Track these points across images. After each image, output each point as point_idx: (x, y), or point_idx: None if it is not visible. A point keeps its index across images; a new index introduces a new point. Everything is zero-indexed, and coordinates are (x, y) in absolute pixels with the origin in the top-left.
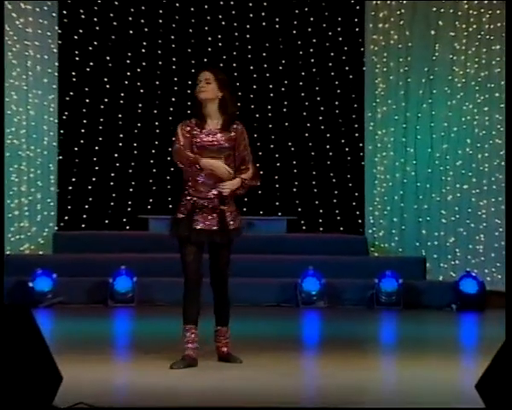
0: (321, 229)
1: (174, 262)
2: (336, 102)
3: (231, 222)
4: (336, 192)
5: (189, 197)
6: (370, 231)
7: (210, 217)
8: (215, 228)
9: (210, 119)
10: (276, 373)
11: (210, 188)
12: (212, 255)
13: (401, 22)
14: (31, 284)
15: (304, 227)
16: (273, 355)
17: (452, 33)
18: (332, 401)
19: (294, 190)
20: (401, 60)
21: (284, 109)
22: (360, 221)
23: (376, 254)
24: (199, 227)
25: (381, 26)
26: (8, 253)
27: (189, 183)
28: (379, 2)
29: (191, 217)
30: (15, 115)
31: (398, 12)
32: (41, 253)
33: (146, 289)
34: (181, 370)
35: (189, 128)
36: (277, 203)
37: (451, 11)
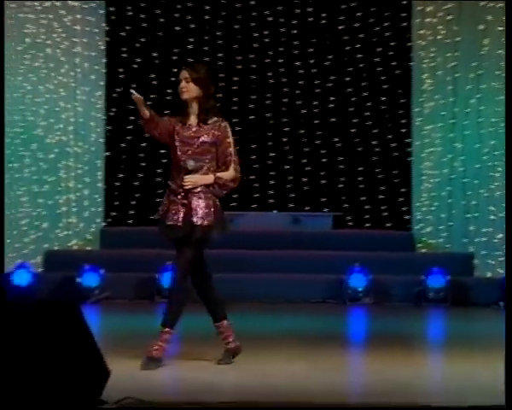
0: (367, 225)
1: (221, 258)
2: (383, 98)
3: (198, 218)
4: (383, 188)
5: (168, 195)
6: (417, 227)
7: (179, 212)
8: (180, 223)
9: (193, 115)
10: (322, 370)
11: (181, 182)
12: (176, 251)
13: (448, 17)
14: (78, 280)
15: (350, 223)
16: (319, 352)
17: (501, 28)
18: (378, 398)
19: (341, 185)
20: (449, 55)
21: (331, 105)
22: (407, 217)
23: (423, 251)
24: (169, 223)
25: (428, 20)
26: (56, 248)
27: (171, 174)
28: None
29: (166, 213)
30: (63, 112)
31: (446, 6)
32: (88, 249)
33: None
34: (223, 365)
35: (172, 121)
36: (323, 199)
37: (499, 6)
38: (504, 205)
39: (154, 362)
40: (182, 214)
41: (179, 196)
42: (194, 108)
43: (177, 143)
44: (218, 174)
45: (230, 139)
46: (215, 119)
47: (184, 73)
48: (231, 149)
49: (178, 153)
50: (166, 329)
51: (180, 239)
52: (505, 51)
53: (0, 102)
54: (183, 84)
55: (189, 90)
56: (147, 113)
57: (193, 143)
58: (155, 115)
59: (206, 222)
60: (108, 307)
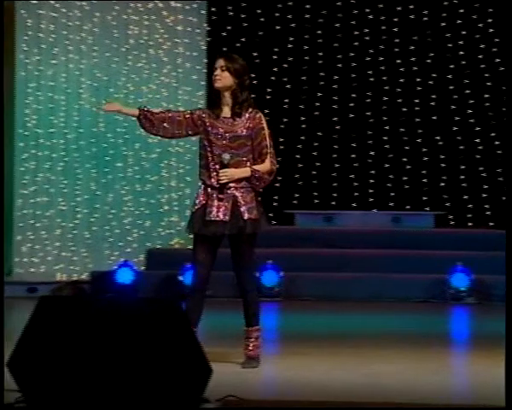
0: (470, 224)
1: (320, 257)
2: (486, 95)
3: (246, 212)
4: (486, 186)
5: (204, 191)
6: None
7: (222, 207)
8: (227, 219)
9: (226, 107)
10: (425, 370)
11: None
12: (233, 250)
13: None
14: (180, 278)
15: (452, 222)
16: (422, 352)
17: None
18: (481, 398)
19: (442, 184)
20: None
21: (432, 103)
22: None
23: None
24: (212, 219)
25: None
26: (158, 247)
27: (202, 170)
28: None
29: (204, 209)
30: None
31: None
32: (190, 247)
33: (293, 283)
34: (327, 364)
35: (204, 114)
36: (425, 198)
37: None
38: (505, 206)
39: (254, 361)
40: (227, 210)
41: (219, 192)
42: (228, 99)
43: (211, 137)
44: (255, 167)
45: (266, 131)
46: (250, 110)
47: (220, 62)
48: (267, 142)
49: (213, 147)
50: (256, 327)
51: (228, 236)
52: (506, 51)
53: (0, 101)
54: (217, 72)
55: (224, 78)
56: (134, 111)
57: (228, 137)
58: (153, 113)
59: (253, 216)
60: (209, 305)
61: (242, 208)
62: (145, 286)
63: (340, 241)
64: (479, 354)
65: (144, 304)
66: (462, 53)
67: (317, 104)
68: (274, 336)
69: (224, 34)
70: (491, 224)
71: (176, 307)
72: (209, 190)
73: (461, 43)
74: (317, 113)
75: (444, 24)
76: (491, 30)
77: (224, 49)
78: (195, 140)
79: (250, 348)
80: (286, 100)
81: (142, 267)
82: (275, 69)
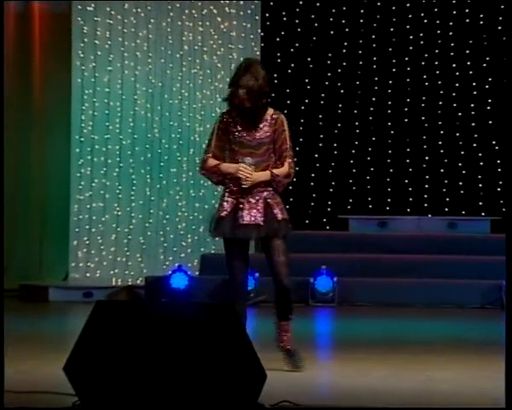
0: None
1: (374, 262)
2: None
3: (279, 213)
4: None
5: (231, 196)
6: None
7: (254, 211)
8: (261, 221)
9: (249, 114)
10: (481, 376)
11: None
12: (267, 251)
13: None
14: None
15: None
16: (478, 358)
17: None
18: None
19: (498, 189)
20: None
21: (488, 107)
22: None
23: None
24: (244, 223)
25: None
26: (212, 252)
27: (228, 176)
28: None
29: (234, 213)
30: None
31: None
32: None
33: (347, 289)
34: (382, 370)
35: (224, 125)
36: (480, 203)
37: None
38: (505, 207)
39: (295, 353)
40: (260, 213)
41: (249, 195)
42: (250, 109)
43: (234, 146)
44: (275, 171)
45: (287, 133)
46: (271, 112)
47: (244, 81)
48: (288, 145)
49: (238, 154)
50: (290, 320)
51: (261, 238)
52: (506, 51)
53: (0, 102)
54: (245, 95)
55: (249, 99)
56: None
57: (254, 145)
58: (221, 162)
59: (286, 216)
60: (263, 310)
61: (275, 210)
62: (199, 291)
63: (395, 246)
64: None
65: (198, 309)
66: None
67: (372, 109)
68: (328, 341)
69: (278, 40)
70: None
71: (230, 312)
72: (238, 195)
73: None
74: (371, 118)
75: (500, 28)
76: None
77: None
78: None
79: (285, 340)
80: (340, 105)
81: (197, 272)
82: (329, 74)
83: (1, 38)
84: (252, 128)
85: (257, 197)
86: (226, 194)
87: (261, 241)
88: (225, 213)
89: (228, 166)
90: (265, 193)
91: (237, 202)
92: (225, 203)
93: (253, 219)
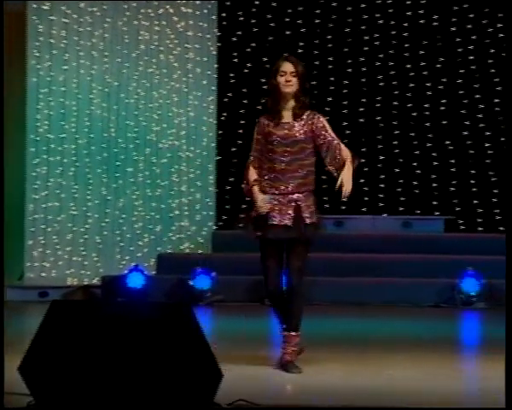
0: (480, 228)
1: (331, 262)
2: (496, 100)
3: (307, 217)
4: (495, 191)
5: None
6: None
7: (284, 212)
8: (289, 223)
9: (286, 111)
10: (435, 374)
11: (285, 182)
12: (288, 252)
13: None
14: (191, 283)
15: (462, 227)
16: (432, 356)
17: None
18: (492, 403)
19: (452, 189)
20: None
21: (442, 108)
22: None
23: None
24: (274, 223)
25: None
26: (169, 251)
27: (263, 177)
28: None
29: (267, 213)
30: (176, 117)
31: None
32: (200, 252)
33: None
34: (342, 369)
35: (263, 127)
36: (435, 202)
37: None
38: (505, 207)
39: (293, 366)
40: (290, 215)
41: (280, 196)
42: (290, 103)
43: (270, 146)
44: (347, 159)
45: (328, 126)
46: (308, 112)
47: (289, 67)
48: (332, 134)
49: (274, 154)
50: (294, 333)
51: (287, 240)
52: (506, 51)
53: (0, 102)
54: (289, 77)
55: (294, 84)
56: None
57: (288, 143)
58: (258, 178)
59: (314, 220)
60: (220, 309)
61: (304, 213)
62: (156, 291)
63: (351, 246)
64: (489, 359)
65: (155, 308)
66: (471, 58)
67: (327, 109)
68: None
69: (235, 39)
70: (501, 228)
71: (186, 312)
72: (271, 196)
73: (470, 48)
74: (327, 118)
75: (454, 29)
76: (501, 35)
77: (287, 53)
78: (205, 145)
79: (288, 352)
80: None
81: (153, 272)
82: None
83: (1, 37)
84: (286, 126)
85: (288, 199)
86: (262, 195)
87: (287, 242)
88: (257, 213)
89: (254, 193)
90: (296, 195)
91: (270, 203)
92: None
93: (282, 221)
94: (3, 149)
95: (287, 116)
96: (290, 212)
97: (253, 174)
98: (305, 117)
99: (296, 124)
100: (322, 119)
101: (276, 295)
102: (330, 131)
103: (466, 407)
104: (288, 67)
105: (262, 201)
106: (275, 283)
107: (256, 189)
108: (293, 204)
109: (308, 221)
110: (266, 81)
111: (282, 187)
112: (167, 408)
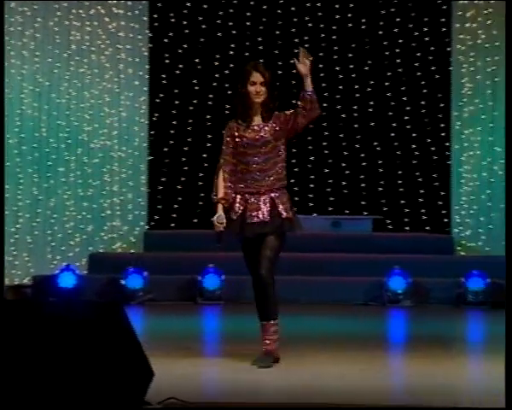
0: (407, 228)
1: None
2: (422, 102)
3: (283, 212)
4: (422, 191)
5: (240, 196)
6: (457, 230)
7: (261, 208)
8: (267, 219)
9: (257, 116)
10: (363, 371)
11: (260, 181)
12: (261, 245)
13: (488, 21)
14: (123, 282)
15: (390, 226)
16: (360, 353)
17: None
18: (419, 399)
19: (380, 189)
20: (488, 59)
21: (370, 109)
22: (446, 220)
23: (463, 254)
24: (252, 221)
25: (468, 25)
26: (100, 251)
27: (237, 179)
28: (466, 1)
29: (244, 213)
30: (108, 117)
31: (486, 11)
32: (132, 251)
33: (234, 287)
34: (268, 366)
35: (232, 131)
36: (363, 203)
37: None
38: (505, 207)
39: (270, 356)
40: (266, 210)
41: (256, 195)
42: (259, 109)
43: (242, 149)
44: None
45: (288, 112)
46: (276, 113)
47: (260, 77)
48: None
49: (247, 156)
50: (273, 321)
51: (264, 234)
52: (505, 51)
53: (0, 102)
54: (259, 88)
55: (264, 93)
56: (224, 203)
57: (259, 145)
58: (227, 187)
59: (290, 215)
60: (152, 308)
61: (280, 207)
62: (87, 290)
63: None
64: (416, 356)
65: (86, 308)
66: (399, 61)
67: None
68: (215, 338)
69: (166, 40)
70: (428, 228)
71: (117, 311)
72: (247, 196)
73: (398, 51)
74: None
75: (381, 32)
76: (427, 38)
77: (261, 60)
78: (137, 145)
79: (267, 342)
80: (227, 106)
81: (85, 271)
82: (216, 75)
83: (1, 37)
84: (257, 129)
85: (264, 197)
86: (237, 198)
87: (263, 237)
88: (235, 216)
89: (217, 210)
90: (272, 194)
91: (246, 203)
92: (235, 206)
93: (261, 216)
94: (3, 148)
95: (256, 120)
96: (266, 207)
97: (221, 188)
98: (272, 118)
99: (265, 126)
100: (281, 113)
101: (264, 289)
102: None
103: (392, 402)
104: (257, 77)
105: (218, 218)
106: (261, 278)
107: (220, 207)
108: (268, 200)
109: (284, 215)
110: (236, 87)
111: (258, 186)
112: (98, 407)
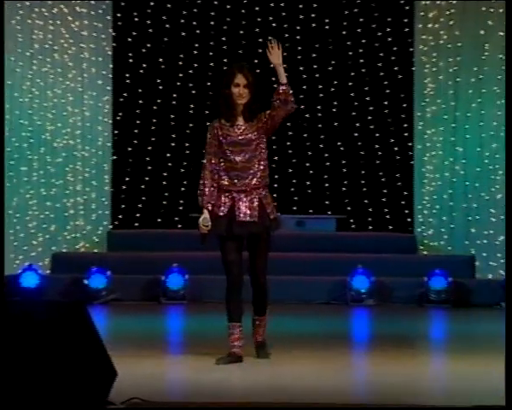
0: (370, 228)
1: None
2: (385, 102)
3: (270, 212)
4: (385, 191)
5: (227, 194)
6: (419, 229)
7: (249, 208)
8: (256, 219)
9: (239, 116)
10: (325, 370)
11: (246, 179)
12: (252, 248)
13: (450, 22)
14: (86, 282)
15: (353, 226)
16: (323, 353)
17: (501, 33)
18: (382, 398)
19: (344, 189)
20: (450, 60)
21: (333, 109)
22: (409, 220)
23: (425, 253)
24: (242, 220)
25: (430, 26)
26: (64, 251)
27: (224, 177)
28: (428, 2)
29: (231, 212)
30: (71, 116)
31: (448, 12)
32: (96, 251)
33: (197, 286)
34: (230, 366)
35: (216, 131)
36: (327, 202)
37: (501, 10)
38: (505, 207)
39: (266, 346)
40: (255, 211)
41: (243, 193)
42: (241, 110)
43: (226, 148)
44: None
45: (267, 111)
46: (258, 115)
47: (243, 79)
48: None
49: (232, 154)
50: (266, 316)
51: (254, 235)
52: (505, 53)
53: (0, 102)
54: (242, 90)
55: (247, 95)
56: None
57: (242, 144)
58: (212, 189)
59: (276, 216)
60: (115, 308)
61: (268, 209)
62: (50, 290)
63: (244, 244)
64: (378, 355)
65: (49, 308)
66: (362, 61)
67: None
68: (179, 338)
69: (130, 40)
70: (391, 227)
71: (80, 311)
72: (234, 194)
73: (361, 51)
74: None
75: (344, 32)
76: (390, 39)
77: (243, 63)
78: (100, 144)
79: (261, 334)
80: (191, 105)
81: (48, 271)
82: (180, 75)
83: (1, 37)
84: (241, 128)
85: (252, 196)
86: (222, 195)
87: (248, 238)
88: (222, 213)
89: (203, 213)
90: (260, 194)
91: (234, 201)
92: (220, 204)
93: (248, 217)
94: (3, 148)
95: (240, 119)
96: (255, 207)
97: (207, 190)
98: (255, 118)
99: (248, 125)
100: (263, 112)
101: (239, 287)
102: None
103: (352, 401)
104: (241, 79)
105: (203, 221)
106: (239, 277)
107: (206, 211)
108: (257, 201)
109: (272, 217)
110: (219, 87)
111: (244, 185)
112: (61, 407)
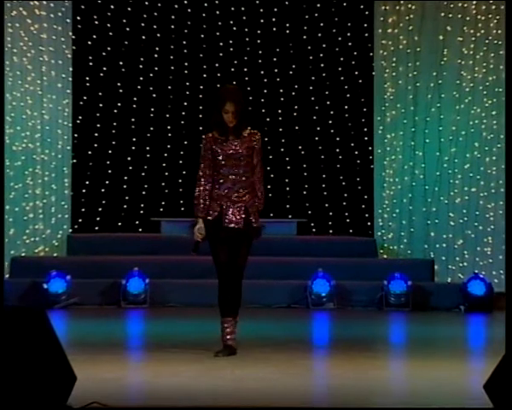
0: (330, 231)
1: (186, 264)
2: (346, 107)
3: (253, 221)
4: (346, 195)
5: (217, 201)
6: (379, 233)
7: (236, 215)
8: (241, 226)
9: (231, 134)
10: (286, 374)
11: (236, 191)
12: (233, 252)
13: (410, 27)
14: (45, 286)
15: (314, 230)
16: (283, 356)
17: (460, 38)
18: (342, 401)
19: (304, 192)
20: (410, 64)
21: (294, 113)
22: (369, 224)
23: (385, 257)
24: (230, 226)
25: (390, 31)
26: (23, 255)
27: (216, 185)
28: (388, 7)
29: (220, 217)
30: (30, 120)
31: (407, 17)
32: (55, 255)
33: (158, 290)
34: (193, 370)
35: (210, 144)
36: (288, 206)
37: (460, 16)
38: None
39: (233, 348)
40: (241, 217)
41: (232, 201)
42: (231, 129)
43: (220, 158)
44: (259, 206)
45: (261, 154)
46: (249, 129)
47: (232, 107)
48: (260, 166)
49: (224, 167)
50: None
51: (235, 239)
52: (505, 51)
53: (0, 102)
54: (230, 117)
55: (236, 119)
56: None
57: (236, 159)
58: (206, 200)
59: (258, 224)
60: (75, 312)
61: (251, 217)
62: (9, 294)
63: (206, 248)
64: (338, 358)
65: (8, 312)
66: (322, 65)
67: (184, 114)
68: (139, 342)
69: (90, 43)
70: (351, 231)
71: (40, 315)
72: (223, 203)
73: (321, 55)
74: (183, 122)
75: (305, 37)
76: (350, 43)
77: (233, 84)
78: (60, 148)
79: (234, 337)
80: (152, 109)
81: (7, 275)
82: (141, 78)
83: (1, 37)
84: (232, 145)
85: (239, 204)
86: (213, 201)
87: (233, 241)
88: (211, 217)
89: (198, 222)
90: (246, 204)
91: (222, 209)
92: (210, 210)
93: (235, 222)
94: (3, 148)
95: (231, 136)
96: (241, 216)
97: (201, 202)
98: (246, 135)
99: (239, 142)
100: (259, 142)
101: (230, 286)
102: (261, 163)
103: (314, 405)
104: (230, 107)
105: (199, 230)
106: (228, 276)
107: (201, 221)
108: (243, 209)
109: (254, 225)
110: (212, 107)
111: (235, 195)
112: None
